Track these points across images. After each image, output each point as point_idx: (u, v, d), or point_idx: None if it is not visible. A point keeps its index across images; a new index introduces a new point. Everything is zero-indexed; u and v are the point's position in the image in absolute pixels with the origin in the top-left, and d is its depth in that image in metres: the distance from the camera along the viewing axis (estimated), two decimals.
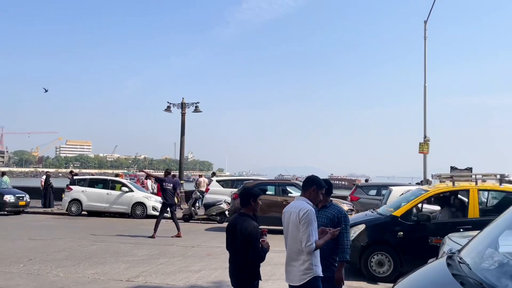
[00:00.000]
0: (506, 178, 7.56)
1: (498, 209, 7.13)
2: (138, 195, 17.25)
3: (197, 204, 17.72)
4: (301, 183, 6.72)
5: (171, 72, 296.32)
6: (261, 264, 3.72)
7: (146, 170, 34.08)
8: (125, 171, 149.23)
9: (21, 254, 8.92)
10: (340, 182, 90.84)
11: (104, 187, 17.78)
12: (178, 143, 22.44)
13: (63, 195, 17.84)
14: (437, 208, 8.48)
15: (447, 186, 7.88)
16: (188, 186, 27.45)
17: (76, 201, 17.35)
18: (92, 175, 29.96)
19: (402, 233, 7.17)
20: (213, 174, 27.35)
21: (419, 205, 7.83)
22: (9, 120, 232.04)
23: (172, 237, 11.65)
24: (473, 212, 7.11)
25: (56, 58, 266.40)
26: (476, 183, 7.45)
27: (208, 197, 16.82)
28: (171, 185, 12.05)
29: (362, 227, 7.41)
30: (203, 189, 18.69)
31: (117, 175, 20.75)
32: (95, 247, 10.01)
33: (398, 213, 7.41)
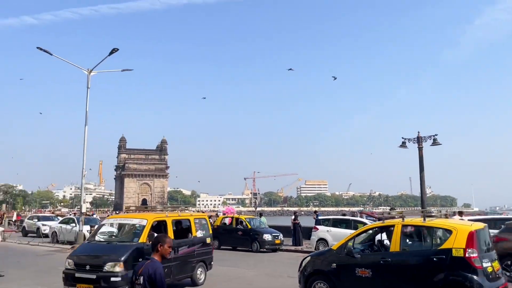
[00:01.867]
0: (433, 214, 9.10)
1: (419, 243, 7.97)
2: None
3: None
4: None
5: (400, 105, 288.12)
6: None
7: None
8: (360, 208, 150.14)
9: None
10: None
11: (347, 227, 18.10)
12: (414, 178, 21.24)
13: (312, 234, 19.01)
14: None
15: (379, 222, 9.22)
16: None
17: (322, 240, 18.20)
18: (343, 214, 30.96)
19: (335, 264, 7.98)
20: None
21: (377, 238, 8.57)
22: (259, 165, 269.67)
23: None
24: (394, 246, 7.49)
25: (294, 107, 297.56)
26: (402, 219, 7.76)
27: None
28: None
29: (308, 258, 8.69)
30: None
31: (353, 214, 20.92)
32: None
33: (334, 246, 8.47)
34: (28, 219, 31.38)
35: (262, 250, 19.14)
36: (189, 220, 10.93)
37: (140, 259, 7.89)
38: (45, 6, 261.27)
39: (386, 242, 8.23)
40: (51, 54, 21.31)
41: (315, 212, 22.03)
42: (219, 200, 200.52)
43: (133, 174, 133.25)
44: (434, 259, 6.85)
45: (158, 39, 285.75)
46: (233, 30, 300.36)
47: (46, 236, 25.04)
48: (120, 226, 10.21)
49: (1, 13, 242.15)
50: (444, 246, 6.90)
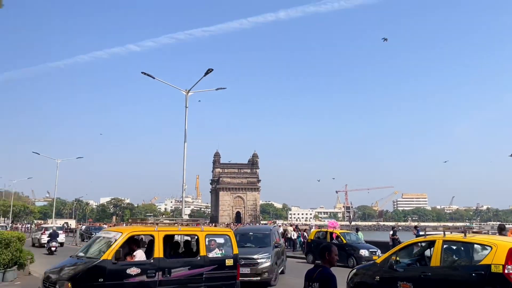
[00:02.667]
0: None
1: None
2: None
3: None
4: None
5: (507, 111, 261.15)
6: None
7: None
8: (467, 223, 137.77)
9: None
10: None
11: None
12: None
13: None
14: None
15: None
16: None
17: None
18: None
19: (378, 277, 8.31)
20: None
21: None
22: (351, 178, 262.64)
23: None
24: (435, 261, 7.62)
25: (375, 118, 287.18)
26: (444, 235, 8.00)
27: None
28: None
29: (354, 271, 9.47)
30: None
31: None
32: None
33: (378, 260, 8.86)
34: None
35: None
36: (197, 236, 9.07)
37: (101, 279, 7.41)
38: (147, 34, 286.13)
39: None
40: (154, 78, 23.13)
41: (415, 227, 20.74)
42: (310, 214, 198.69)
43: (227, 187, 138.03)
44: (473, 274, 6.93)
45: (248, 55, 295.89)
46: (320, 42, 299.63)
47: None
48: (101, 240, 8.78)
49: (108, 43, 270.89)
50: (483, 262, 6.91)
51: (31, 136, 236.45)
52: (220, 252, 9.48)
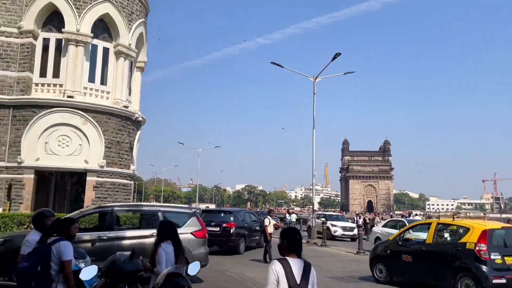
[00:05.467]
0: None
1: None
2: None
3: None
4: None
5: None
6: None
7: None
8: None
9: None
10: None
11: None
12: None
13: None
14: None
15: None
16: None
17: None
18: None
19: (389, 251, 10.43)
20: None
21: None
22: (500, 166, 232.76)
23: None
24: (429, 239, 9.58)
25: None
26: (439, 218, 11.78)
27: None
28: None
29: (373, 246, 12.92)
30: None
31: None
32: None
33: (391, 238, 11.43)
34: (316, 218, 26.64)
35: None
36: None
37: None
38: (275, 27, 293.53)
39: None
40: (282, 67, 23.68)
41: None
42: (452, 205, 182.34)
43: (357, 176, 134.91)
44: (453, 249, 8.89)
45: (377, 38, 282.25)
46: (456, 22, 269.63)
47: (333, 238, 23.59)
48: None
49: (239, 38, 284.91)
50: (462, 240, 8.80)
51: (177, 127, 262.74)
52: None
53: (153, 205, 11.40)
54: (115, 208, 9.57)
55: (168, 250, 4.61)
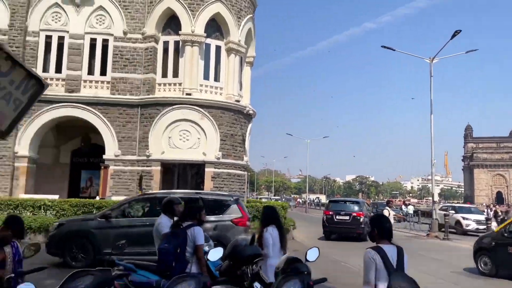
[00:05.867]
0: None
1: None
2: None
3: None
4: None
5: None
6: None
7: None
8: None
9: None
10: None
11: None
12: None
13: None
14: None
15: None
16: None
17: None
18: None
19: (494, 243, 10.26)
20: None
21: None
22: None
23: None
24: None
25: None
26: None
27: None
28: None
29: (477, 239, 12.34)
30: None
31: None
32: None
33: (496, 229, 11.79)
34: (440, 209, 24.95)
35: None
36: None
37: None
38: (383, 9, 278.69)
39: None
40: (394, 50, 22.43)
41: None
42: None
43: (483, 164, 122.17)
44: None
45: (503, 13, 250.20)
46: None
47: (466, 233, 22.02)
48: None
49: (345, 25, 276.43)
50: None
51: (286, 119, 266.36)
52: None
53: (191, 192, 11.10)
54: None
55: (274, 234, 4.73)
